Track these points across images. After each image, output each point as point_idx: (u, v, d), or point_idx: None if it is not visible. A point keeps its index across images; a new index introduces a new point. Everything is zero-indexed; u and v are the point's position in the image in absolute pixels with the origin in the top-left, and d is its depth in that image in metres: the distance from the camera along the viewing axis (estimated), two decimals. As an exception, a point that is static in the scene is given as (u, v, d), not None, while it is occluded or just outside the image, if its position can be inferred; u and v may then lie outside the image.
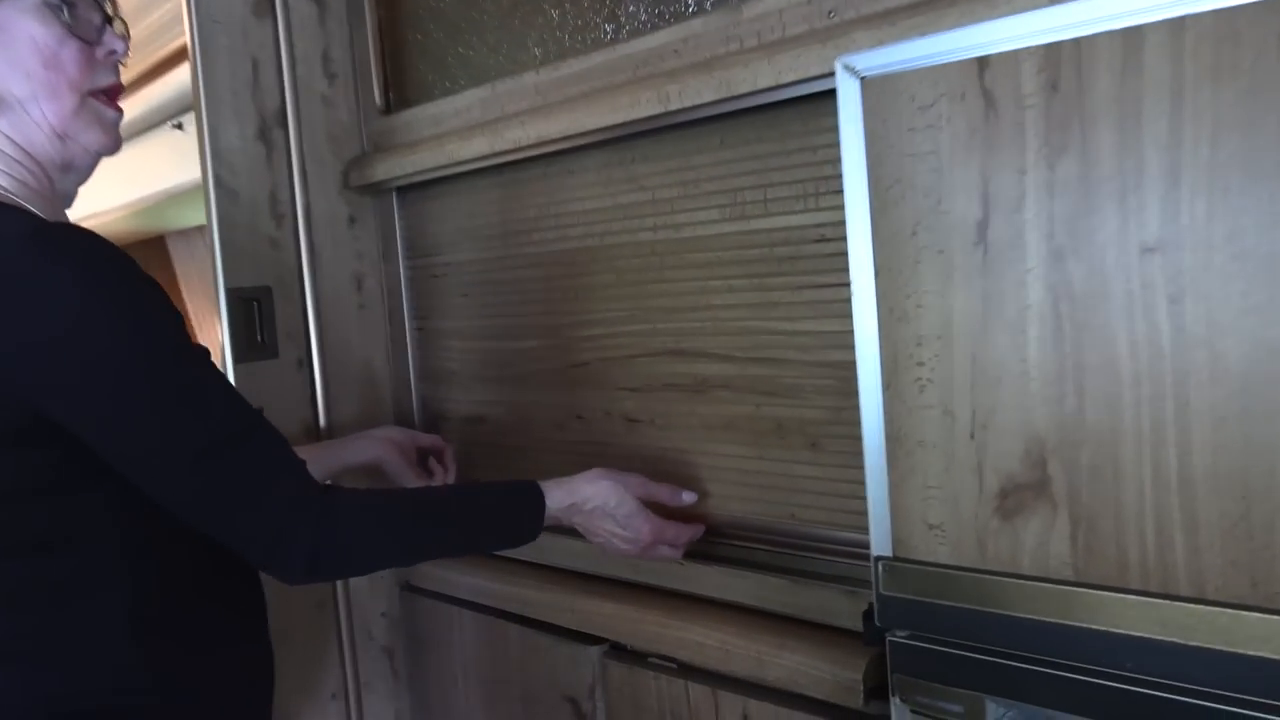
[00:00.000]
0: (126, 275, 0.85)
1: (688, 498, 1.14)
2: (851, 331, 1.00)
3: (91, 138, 0.92)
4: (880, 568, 0.88)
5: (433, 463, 1.37)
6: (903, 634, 0.89)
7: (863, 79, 0.83)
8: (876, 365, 0.86)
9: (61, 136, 0.91)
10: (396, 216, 1.51)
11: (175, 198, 2.37)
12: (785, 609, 1.09)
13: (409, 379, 1.55)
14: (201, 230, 3.38)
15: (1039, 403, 0.76)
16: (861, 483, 1.02)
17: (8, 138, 0.89)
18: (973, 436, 0.80)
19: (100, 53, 0.92)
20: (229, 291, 1.38)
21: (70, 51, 0.89)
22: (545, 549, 1.36)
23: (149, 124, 2.05)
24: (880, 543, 0.88)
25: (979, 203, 0.77)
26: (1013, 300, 0.77)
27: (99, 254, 0.84)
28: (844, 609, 1.04)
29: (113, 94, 0.95)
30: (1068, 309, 0.74)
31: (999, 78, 0.75)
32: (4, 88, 0.88)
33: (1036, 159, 0.74)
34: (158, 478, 0.86)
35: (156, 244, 3.53)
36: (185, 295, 3.67)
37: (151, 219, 3.02)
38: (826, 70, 0.91)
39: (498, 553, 1.36)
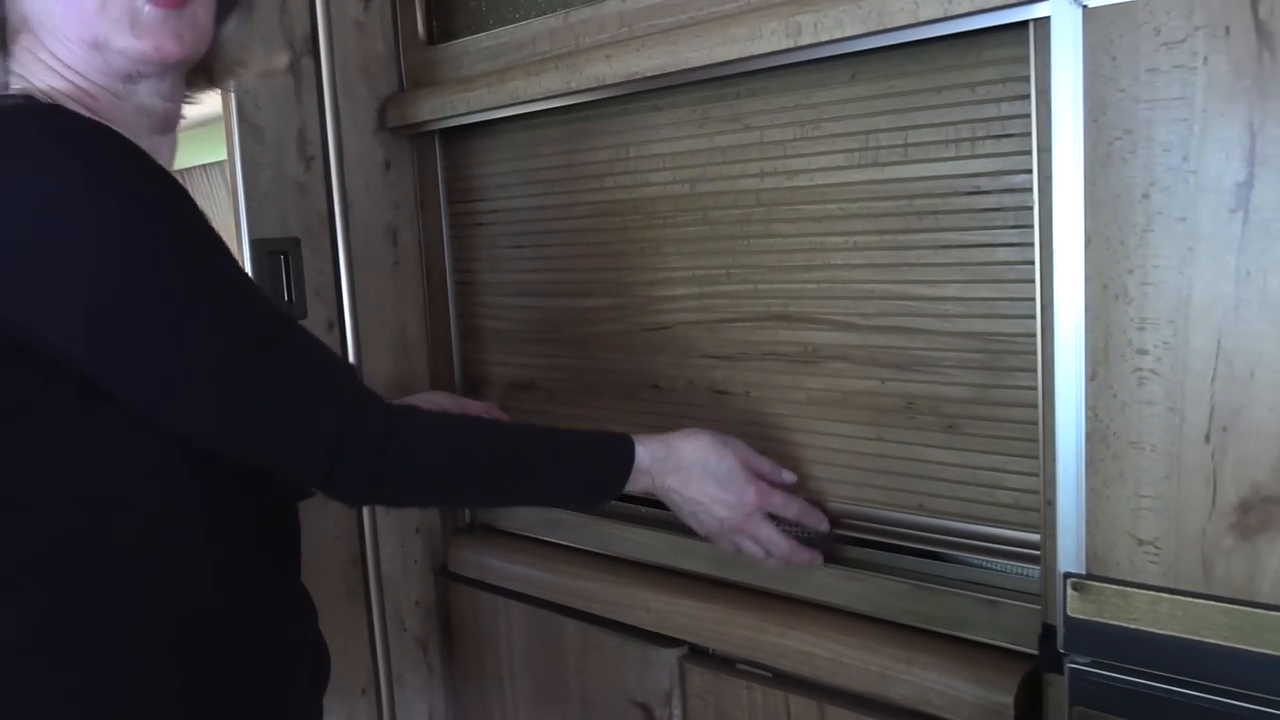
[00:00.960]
0: (129, 155, 0.71)
1: (788, 476, 1.00)
2: (1008, 300, 0.88)
3: (124, 41, 0.75)
4: (1069, 585, 0.76)
5: None
6: (1084, 661, 0.77)
7: (1086, 7, 0.69)
8: (1080, 350, 0.73)
9: (95, 45, 0.75)
10: (439, 163, 1.35)
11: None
12: (907, 618, 0.97)
13: (448, 337, 1.39)
14: (182, 175, 3.19)
15: (1304, 403, 0.64)
16: (1010, 471, 0.91)
17: (51, 58, 0.75)
18: (1208, 439, 0.68)
19: None
20: (254, 243, 1.21)
21: None
22: (610, 538, 1.23)
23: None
24: (1070, 557, 0.76)
25: (1242, 161, 0.64)
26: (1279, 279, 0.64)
27: (94, 132, 0.70)
28: (982, 619, 0.92)
29: None
30: (1357, 292, 0.61)
31: (1280, 7, 0.62)
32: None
33: (1328, 109, 0.61)
34: (178, 391, 0.71)
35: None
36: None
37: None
38: (1018, -2, 0.77)
39: (582, 509, 1.23)
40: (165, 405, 0.72)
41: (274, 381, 0.73)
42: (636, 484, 0.90)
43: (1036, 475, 0.85)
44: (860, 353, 0.99)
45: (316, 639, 0.94)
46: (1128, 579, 0.73)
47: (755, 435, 1.06)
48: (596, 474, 0.89)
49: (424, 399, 1.17)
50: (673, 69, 1.01)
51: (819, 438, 1.04)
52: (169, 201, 0.72)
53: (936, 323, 0.93)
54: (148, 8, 0.75)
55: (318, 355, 0.78)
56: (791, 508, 0.97)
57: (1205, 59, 0.65)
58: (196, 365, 0.70)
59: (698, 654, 1.13)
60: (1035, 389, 0.84)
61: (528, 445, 0.88)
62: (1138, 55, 0.67)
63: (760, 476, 0.96)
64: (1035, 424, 0.84)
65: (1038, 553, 0.86)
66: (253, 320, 0.74)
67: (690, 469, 0.92)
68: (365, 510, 1.33)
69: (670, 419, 1.16)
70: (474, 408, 1.21)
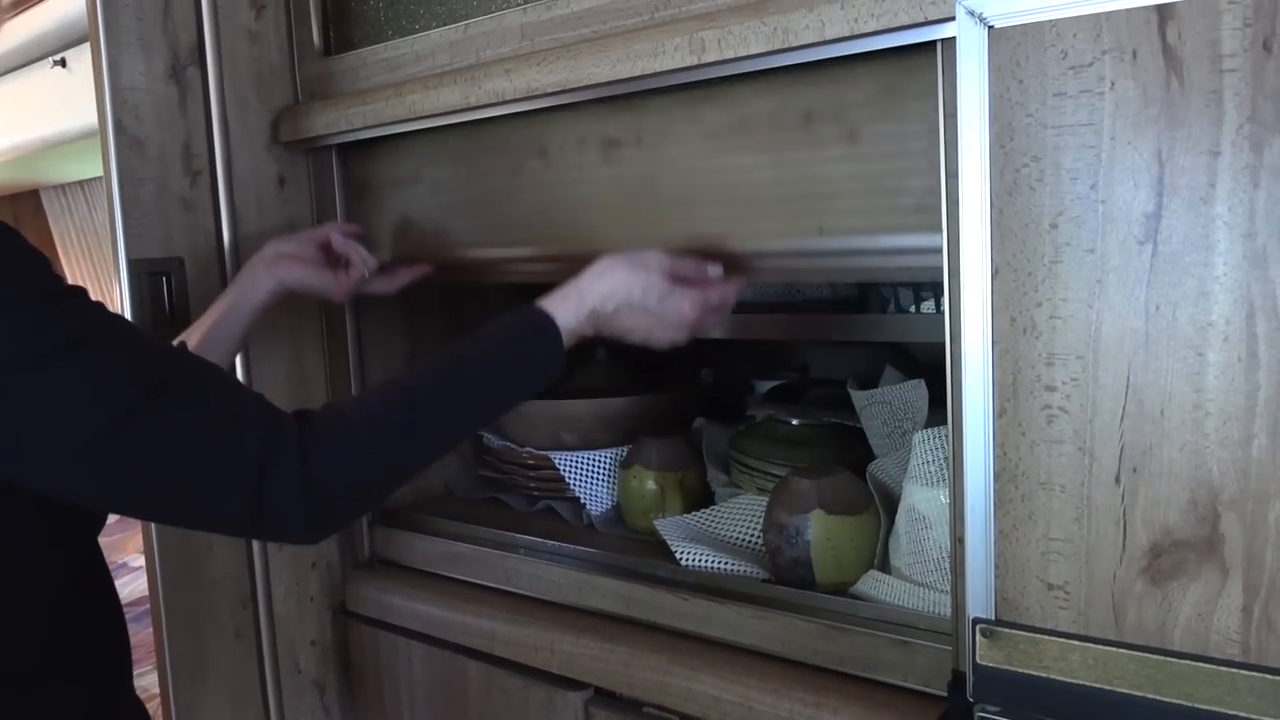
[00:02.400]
0: None
1: (714, 271, 0.94)
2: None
3: None
4: (978, 632, 0.72)
5: (345, 244, 1.13)
6: (994, 710, 0.74)
7: (992, 28, 0.66)
8: (987, 386, 0.70)
9: None
10: (335, 178, 1.28)
11: (55, 148, 2.07)
12: (818, 659, 0.93)
13: (346, 366, 1.31)
14: (83, 186, 3.03)
15: (1215, 444, 0.61)
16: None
17: None
18: (1118, 481, 0.65)
19: None
20: (132, 263, 1.13)
21: None
22: (515, 574, 1.17)
23: (26, 59, 1.75)
24: (979, 602, 0.72)
25: (1150, 191, 0.61)
26: (1189, 314, 0.61)
27: None
28: (894, 661, 0.89)
29: None
30: (1268, 328, 0.59)
31: (1188, 32, 0.59)
32: None
33: (1237, 138, 0.58)
34: (59, 467, 0.64)
35: (29, 199, 3.15)
36: (63, 261, 3.29)
37: (24, 170, 2.67)
38: (924, 17, 0.73)
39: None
40: (54, 486, 0.65)
41: (175, 436, 0.66)
42: (573, 341, 0.87)
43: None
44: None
45: None
46: (1038, 625, 0.70)
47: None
48: (531, 371, 0.85)
49: (267, 255, 1.09)
50: (574, 85, 0.96)
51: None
52: (12, 252, 0.64)
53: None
54: None
55: (217, 390, 0.70)
56: (729, 299, 0.94)
57: (1113, 84, 0.62)
58: (76, 443, 0.63)
59: (604, 697, 1.07)
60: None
61: (451, 383, 0.81)
62: (1045, 79, 0.64)
63: (687, 281, 0.91)
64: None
65: (941, 258, 0.76)
66: (129, 374, 0.65)
67: (617, 311, 0.88)
68: (256, 545, 1.25)
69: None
70: (320, 234, 1.14)
